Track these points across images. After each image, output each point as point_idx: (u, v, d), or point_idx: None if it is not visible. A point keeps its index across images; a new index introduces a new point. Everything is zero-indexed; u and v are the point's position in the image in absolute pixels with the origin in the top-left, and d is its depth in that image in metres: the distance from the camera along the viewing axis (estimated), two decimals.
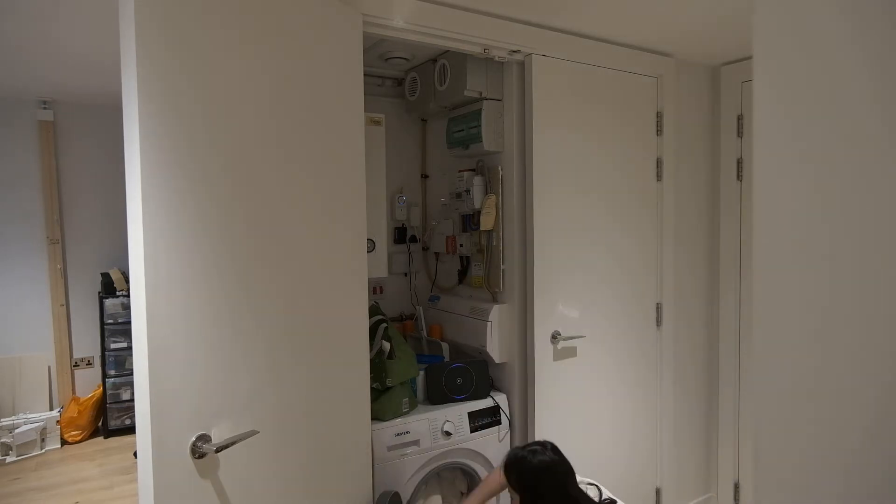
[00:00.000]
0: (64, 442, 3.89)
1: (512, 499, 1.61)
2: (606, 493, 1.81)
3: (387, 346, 2.03)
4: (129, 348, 3.95)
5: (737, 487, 2.78)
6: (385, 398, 2.00)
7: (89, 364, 4.16)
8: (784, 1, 0.85)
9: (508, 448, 2.24)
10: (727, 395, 2.78)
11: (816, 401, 0.83)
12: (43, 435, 3.80)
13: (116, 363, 3.98)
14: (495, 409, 2.23)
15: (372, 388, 1.92)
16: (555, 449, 1.56)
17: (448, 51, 2.21)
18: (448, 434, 2.08)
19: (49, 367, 4.01)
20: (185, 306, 1.28)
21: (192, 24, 1.29)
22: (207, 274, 1.32)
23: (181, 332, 1.27)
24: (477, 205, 2.34)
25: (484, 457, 2.18)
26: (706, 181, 2.78)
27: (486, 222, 2.30)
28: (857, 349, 0.78)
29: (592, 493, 1.76)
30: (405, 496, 1.98)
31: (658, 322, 2.60)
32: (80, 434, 3.92)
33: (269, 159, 1.46)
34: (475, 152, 2.36)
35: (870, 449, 0.78)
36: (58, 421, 3.87)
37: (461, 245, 2.51)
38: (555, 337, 2.25)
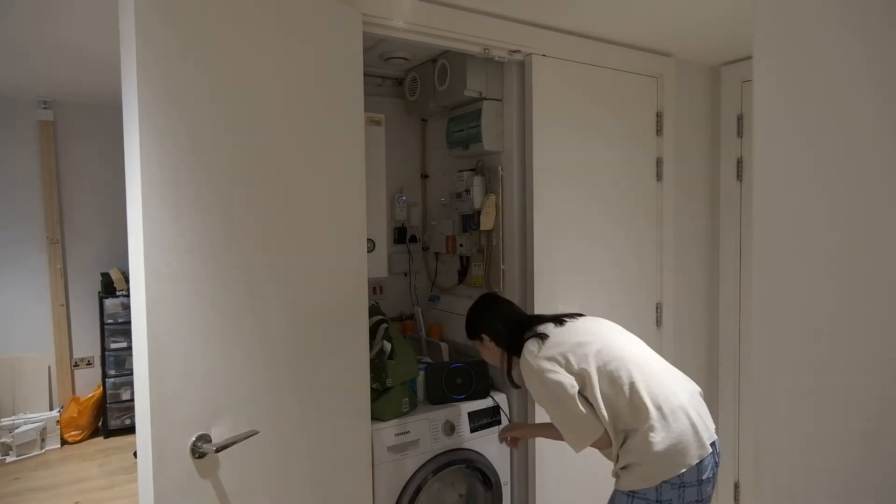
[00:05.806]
0: (64, 442, 3.89)
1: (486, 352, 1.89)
2: None
3: (387, 346, 2.03)
4: (129, 348, 3.95)
5: (737, 487, 2.78)
6: (385, 398, 2.00)
7: (89, 364, 4.16)
8: (784, 1, 0.85)
9: (508, 448, 2.23)
10: (727, 396, 2.78)
11: (816, 400, 0.83)
12: (43, 435, 3.80)
13: (116, 363, 3.98)
14: (495, 409, 2.22)
15: (372, 389, 1.92)
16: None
17: (448, 51, 2.21)
18: (449, 432, 2.08)
19: (49, 367, 4.01)
20: (186, 306, 1.28)
21: (191, 25, 1.29)
22: (207, 274, 1.32)
23: (181, 332, 1.27)
24: (477, 205, 2.34)
25: (484, 457, 2.17)
26: (706, 181, 2.78)
27: (486, 222, 2.30)
28: (858, 349, 0.78)
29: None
30: (405, 496, 1.97)
31: (658, 322, 2.59)
32: (80, 434, 3.93)
33: (268, 159, 1.46)
34: (475, 152, 2.36)
35: (870, 449, 0.78)
36: (58, 421, 3.87)
37: (461, 245, 2.51)
38: None
